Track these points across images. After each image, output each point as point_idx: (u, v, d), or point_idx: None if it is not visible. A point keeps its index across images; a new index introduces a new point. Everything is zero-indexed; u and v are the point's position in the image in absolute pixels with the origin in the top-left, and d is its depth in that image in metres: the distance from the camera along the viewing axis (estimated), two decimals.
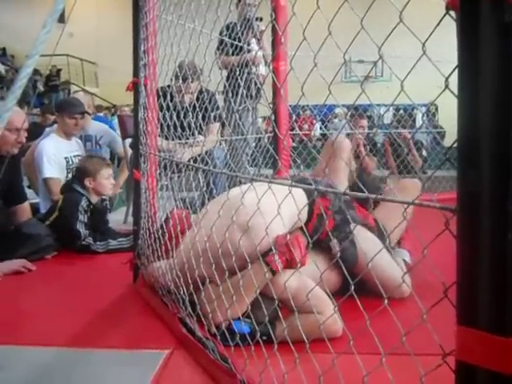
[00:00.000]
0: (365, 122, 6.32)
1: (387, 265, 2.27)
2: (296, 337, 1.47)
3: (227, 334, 1.73)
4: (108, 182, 3.57)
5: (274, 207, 1.50)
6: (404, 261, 2.48)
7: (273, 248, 1.89)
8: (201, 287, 1.90)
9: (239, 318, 1.85)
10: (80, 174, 3.59)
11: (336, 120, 12.83)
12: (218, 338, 1.76)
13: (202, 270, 1.83)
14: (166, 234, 2.20)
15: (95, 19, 17.89)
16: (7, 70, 15.94)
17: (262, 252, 1.87)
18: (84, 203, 3.44)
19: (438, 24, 0.82)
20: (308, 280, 1.87)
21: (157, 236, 2.30)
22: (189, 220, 2.18)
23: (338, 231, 2.26)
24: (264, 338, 1.60)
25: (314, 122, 12.68)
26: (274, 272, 1.87)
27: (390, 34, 0.89)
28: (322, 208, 2.19)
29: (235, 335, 1.71)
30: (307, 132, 11.07)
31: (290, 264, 1.89)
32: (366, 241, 2.28)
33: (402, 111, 8.35)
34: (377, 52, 0.98)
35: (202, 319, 1.86)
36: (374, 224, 2.43)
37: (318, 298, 1.80)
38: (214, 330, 1.79)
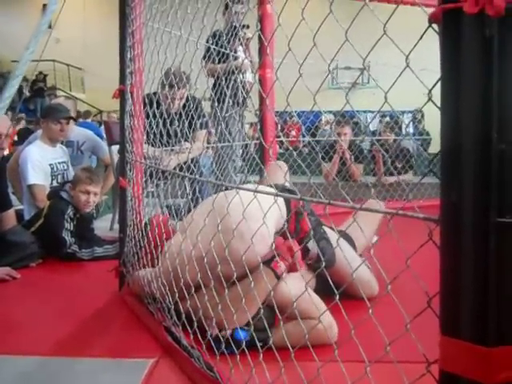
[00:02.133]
0: (348, 130, 6.35)
1: (359, 267, 2.31)
2: (292, 343, 1.44)
3: (223, 342, 1.71)
4: (83, 196, 3.46)
5: (261, 214, 1.51)
6: (367, 266, 2.55)
7: (261, 256, 1.88)
8: (186, 296, 1.89)
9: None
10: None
11: (327, 127, 12.85)
12: (213, 344, 1.72)
13: (193, 278, 1.81)
14: (146, 240, 2.20)
15: (82, 25, 17.84)
16: None
17: (253, 259, 1.79)
18: (70, 211, 3.42)
19: (421, 37, 0.83)
20: (303, 285, 1.88)
21: (137, 242, 2.31)
22: (167, 226, 2.18)
23: (314, 232, 2.30)
24: (260, 344, 1.59)
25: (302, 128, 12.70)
26: (278, 277, 1.90)
27: (374, 46, 0.90)
28: (300, 208, 2.21)
29: (230, 342, 1.69)
30: (294, 139, 11.10)
31: (291, 269, 1.93)
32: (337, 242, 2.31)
33: (388, 118, 8.38)
34: (363, 59, 0.99)
35: (204, 324, 1.79)
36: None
37: (312, 303, 1.80)
38: (214, 333, 1.76)
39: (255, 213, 1.59)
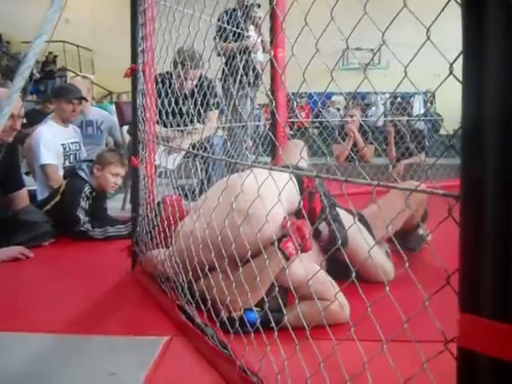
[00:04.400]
0: (356, 112, 6.35)
1: (373, 250, 2.23)
2: (304, 323, 1.43)
3: (237, 323, 1.71)
4: (112, 178, 3.55)
5: (274, 193, 1.50)
6: (386, 252, 2.49)
7: (270, 235, 1.86)
8: (200, 275, 1.89)
9: (250, 308, 1.82)
10: (95, 160, 3.61)
11: (331, 109, 12.85)
12: (228, 326, 1.71)
13: (206, 258, 1.81)
14: (159, 219, 2.19)
15: (91, 5, 17.74)
16: (2, 56, 15.83)
17: (265, 238, 1.82)
18: (87, 190, 3.45)
19: (443, 9, 0.81)
20: (315, 266, 1.86)
21: (149, 222, 2.30)
22: (181, 206, 2.17)
23: (326, 213, 2.26)
24: (272, 325, 1.58)
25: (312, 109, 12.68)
26: (288, 258, 1.88)
27: (393, 20, 0.89)
28: (312, 189, 2.18)
29: (244, 324, 1.68)
30: (305, 119, 11.05)
31: (301, 249, 1.90)
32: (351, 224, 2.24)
33: (399, 99, 8.33)
34: (374, 39, 0.97)
35: (218, 304, 1.78)
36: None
37: (324, 283, 1.78)
38: (225, 316, 1.75)
39: (265, 192, 1.57)
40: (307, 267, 1.81)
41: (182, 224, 2.12)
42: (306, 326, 1.32)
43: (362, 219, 2.46)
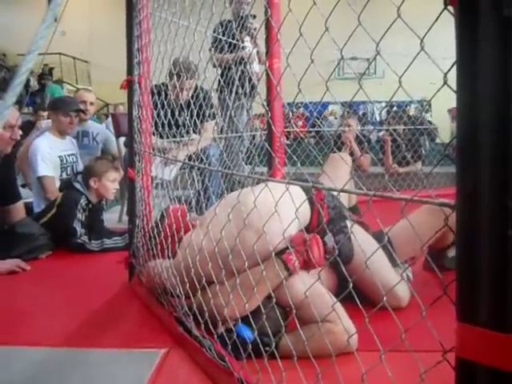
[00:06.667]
0: (352, 122, 6.38)
1: (384, 269, 2.09)
2: (302, 350, 1.39)
3: (226, 336, 1.68)
4: (112, 185, 3.57)
5: (288, 210, 1.45)
6: (407, 276, 2.28)
7: (290, 246, 1.79)
8: (198, 288, 1.84)
9: (245, 323, 1.72)
10: (86, 173, 3.59)
11: (330, 118, 12.91)
12: (218, 338, 1.69)
13: (210, 272, 1.73)
14: (162, 233, 2.11)
15: (88, 17, 17.79)
16: None
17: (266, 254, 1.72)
18: (83, 202, 3.45)
19: (436, 20, 0.81)
20: (318, 285, 1.63)
21: (152, 235, 2.24)
22: (185, 217, 2.11)
23: (333, 225, 2.16)
24: (267, 348, 1.52)
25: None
26: (290, 272, 1.78)
27: (387, 30, 0.89)
28: (319, 201, 2.11)
29: (234, 338, 1.61)
30: (302, 129, 11.07)
31: (307, 265, 1.80)
32: (362, 238, 2.08)
33: (395, 108, 8.36)
34: (369, 49, 0.98)
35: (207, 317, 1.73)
36: (372, 228, 2.27)
37: (328, 303, 1.53)
38: (220, 329, 1.70)
39: (279, 209, 1.44)
40: (308, 284, 1.59)
41: (188, 236, 2.00)
42: (310, 355, 1.29)
43: (380, 236, 2.14)
